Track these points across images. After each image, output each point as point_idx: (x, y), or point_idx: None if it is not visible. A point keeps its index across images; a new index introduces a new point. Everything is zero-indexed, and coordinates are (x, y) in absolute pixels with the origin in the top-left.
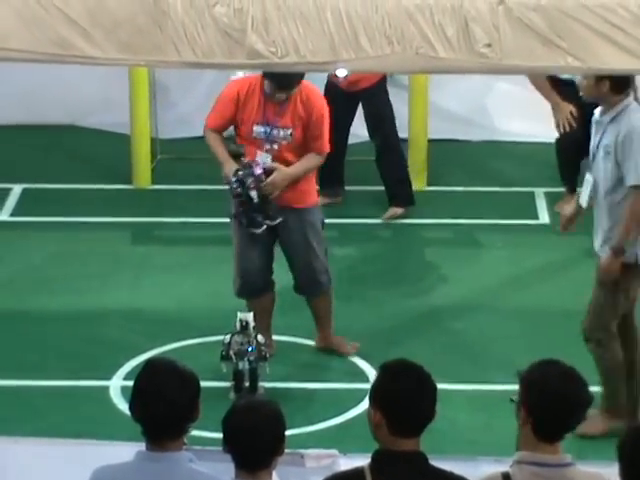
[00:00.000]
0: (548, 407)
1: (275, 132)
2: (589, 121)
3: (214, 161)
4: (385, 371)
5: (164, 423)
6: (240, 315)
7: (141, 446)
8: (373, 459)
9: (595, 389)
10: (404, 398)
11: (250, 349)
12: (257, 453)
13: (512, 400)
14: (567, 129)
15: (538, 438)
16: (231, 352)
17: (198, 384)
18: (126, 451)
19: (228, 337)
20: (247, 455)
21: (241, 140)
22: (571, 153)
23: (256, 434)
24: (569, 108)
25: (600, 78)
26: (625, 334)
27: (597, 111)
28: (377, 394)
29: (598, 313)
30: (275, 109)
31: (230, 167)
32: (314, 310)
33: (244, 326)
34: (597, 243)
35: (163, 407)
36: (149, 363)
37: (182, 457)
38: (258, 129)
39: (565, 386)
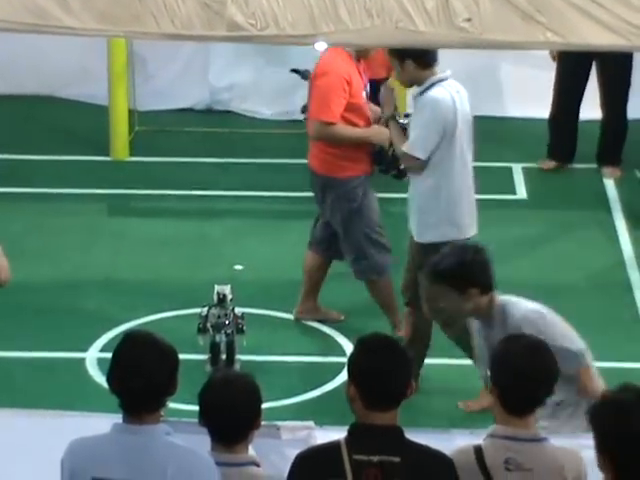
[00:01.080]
0: (512, 381)
1: (366, 90)
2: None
3: (192, 134)
4: (360, 345)
5: (142, 396)
6: (217, 288)
7: (118, 418)
8: (349, 432)
9: None
10: (377, 372)
11: (227, 322)
12: (233, 427)
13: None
14: None
15: (507, 412)
16: (208, 324)
17: (177, 358)
18: (104, 423)
19: (205, 310)
20: (223, 429)
21: (351, 114)
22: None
23: (232, 408)
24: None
25: (402, 60)
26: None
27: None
28: (352, 367)
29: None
30: (359, 70)
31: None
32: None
33: (221, 299)
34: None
35: (141, 380)
36: (128, 335)
37: (159, 430)
38: (363, 94)
39: (528, 360)
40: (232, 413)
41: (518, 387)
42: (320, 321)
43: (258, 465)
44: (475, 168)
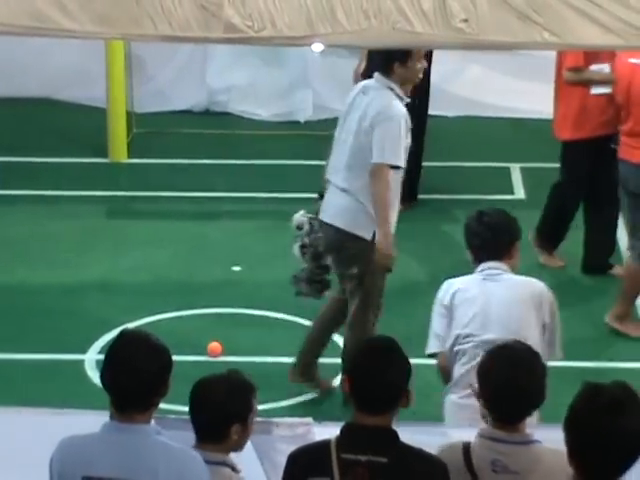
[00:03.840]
0: (494, 396)
1: None
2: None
3: (190, 135)
4: (363, 343)
5: (132, 394)
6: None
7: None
8: (340, 431)
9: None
10: (368, 373)
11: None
12: (207, 427)
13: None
14: None
15: (495, 419)
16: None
17: (169, 358)
18: (98, 420)
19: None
20: (199, 426)
21: None
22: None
23: (211, 408)
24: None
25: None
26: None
27: None
28: (348, 363)
29: None
30: None
31: None
32: None
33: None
34: None
35: (131, 377)
36: (122, 333)
37: (149, 429)
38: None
39: (509, 374)
40: (212, 411)
41: (500, 402)
42: None
43: (235, 470)
44: (473, 168)
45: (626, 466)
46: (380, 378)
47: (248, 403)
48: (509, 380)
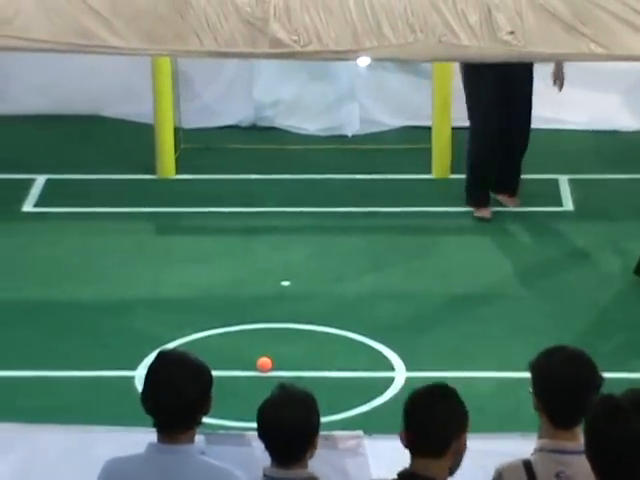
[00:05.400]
0: (556, 393)
1: None
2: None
3: (237, 150)
4: (415, 393)
5: (175, 415)
6: None
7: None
8: (398, 475)
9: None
10: (418, 419)
11: None
12: (289, 447)
13: (530, 392)
14: None
15: (555, 425)
16: None
17: (210, 376)
18: (147, 438)
19: None
20: (279, 448)
21: None
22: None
23: (289, 429)
24: None
25: None
26: None
27: None
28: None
29: None
30: None
31: None
32: None
33: None
34: None
35: (173, 398)
36: (161, 354)
37: (193, 449)
38: None
39: (570, 370)
40: (288, 433)
41: (563, 398)
42: None
43: None
44: (522, 179)
45: None
46: (430, 424)
47: (318, 411)
48: (572, 375)
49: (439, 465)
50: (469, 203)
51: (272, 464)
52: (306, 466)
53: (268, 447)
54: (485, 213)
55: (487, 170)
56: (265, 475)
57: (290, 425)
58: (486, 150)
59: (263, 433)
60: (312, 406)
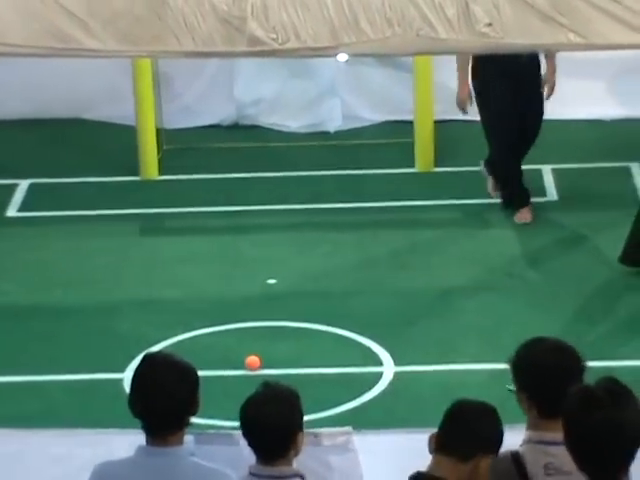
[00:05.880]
0: (540, 382)
1: None
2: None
3: (220, 150)
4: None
5: (164, 417)
6: None
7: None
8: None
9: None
10: (459, 415)
11: None
12: (273, 444)
13: (510, 390)
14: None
15: (541, 416)
16: None
17: (196, 376)
18: (137, 440)
19: None
20: (263, 445)
21: None
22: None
23: (271, 425)
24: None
25: None
26: None
27: None
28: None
29: None
30: None
31: None
32: None
33: None
34: None
35: (162, 401)
36: (146, 357)
37: (183, 451)
38: None
39: (553, 359)
40: (270, 430)
41: (550, 388)
42: None
43: (303, 477)
44: None
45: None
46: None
47: (300, 408)
48: (557, 364)
49: (458, 469)
50: (506, 208)
51: (257, 461)
52: (291, 463)
53: (251, 444)
54: (525, 216)
55: (512, 170)
56: (251, 473)
57: (271, 422)
58: (505, 150)
59: (245, 430)
60: (295, 403)
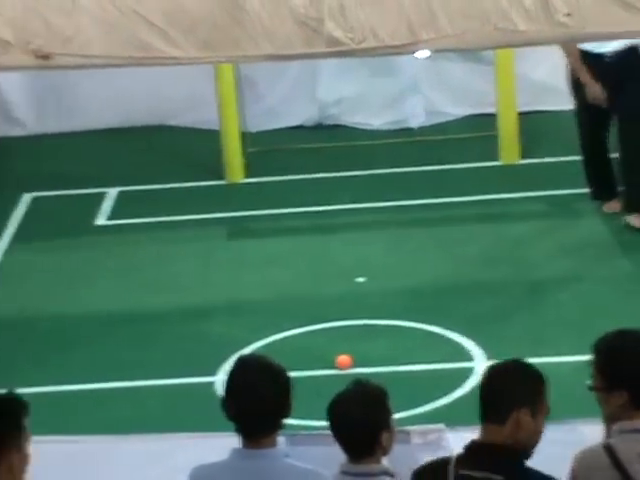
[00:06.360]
0: (636, 374)
1: None
2: None
3: (304, 150)
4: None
5: (256, 420)
6: None
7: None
8: (464, 448)
9: None
10: (484, 384)
11: None
12: (361, 441)
13: (590, 387)
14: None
15: (635, 406)
16: None
17: (289, 379)
18: (230, 443)
19: None
20: (352, 443)
21: None
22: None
23: (358, 423)
24: (597, 88)
25: None
26: None
27: None
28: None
29: None
30: None
31: None
32: None
33: None
34: None
35: (254, 404)
36: (239, 360)
37: (277, 452)
38: None
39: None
40: (355, 428)
41: None
42: None
43: (392, 475)
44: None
45: None
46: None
47: (387, 407)
48: None
49: (501, 432)
50: (594, 198)
51: (347, 459)
52: (379, 461)
53: (339, 442)
54: (614, 205)
55: (597, 161)
56: (342, 471)
57: (356, 420)
58: (591, 140)
59: (332, 427)
60: (382, 402)
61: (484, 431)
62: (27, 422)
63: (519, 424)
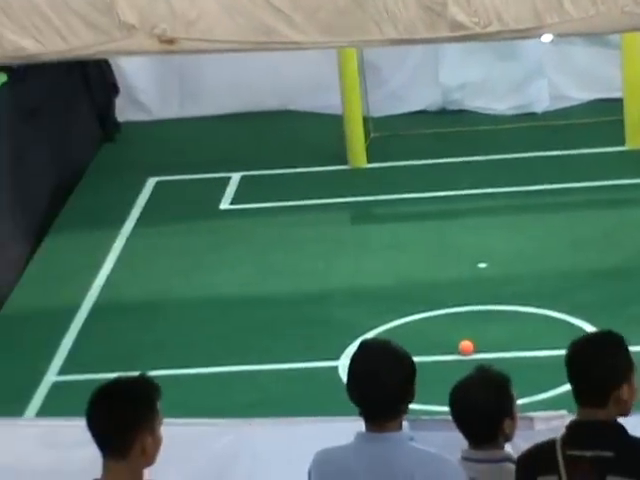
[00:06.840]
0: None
1: None
2: None
3: (427, 135)
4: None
5: (380, 405)
6: None
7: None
8: (566, 428)
9: None
10: (573, 364)
11: None
12: (481, 427)
13: None
14: None
15: None
16: None
17: (412, 364)
18: (354, 427)
19: None
20: (472, 429)
21: None
22: None
23: (477, 411)
24: None
25: None
26: None
27: None
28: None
29: None
30: None
31: None
32: None
33: None
34: None
35: (378, 389)
36: (363, 345)
37: (402, 437)
38: None
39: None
40: (476, 414)
41: None
42: None
43: (514, 462)
44: None
45: None
46: (584, 372)
47: (510, 394)
48: None
49: (602, 412)
50: None
51: (468, 445)
52: (501, 447)
53: (459, 427)
54: None
55: None
56: (463, 457)
57: (477, 407)
58: None
59: (453, 413)
60: (504, 389)
61: (583, 412)
62: (160, 405)
63: (619, 401)
